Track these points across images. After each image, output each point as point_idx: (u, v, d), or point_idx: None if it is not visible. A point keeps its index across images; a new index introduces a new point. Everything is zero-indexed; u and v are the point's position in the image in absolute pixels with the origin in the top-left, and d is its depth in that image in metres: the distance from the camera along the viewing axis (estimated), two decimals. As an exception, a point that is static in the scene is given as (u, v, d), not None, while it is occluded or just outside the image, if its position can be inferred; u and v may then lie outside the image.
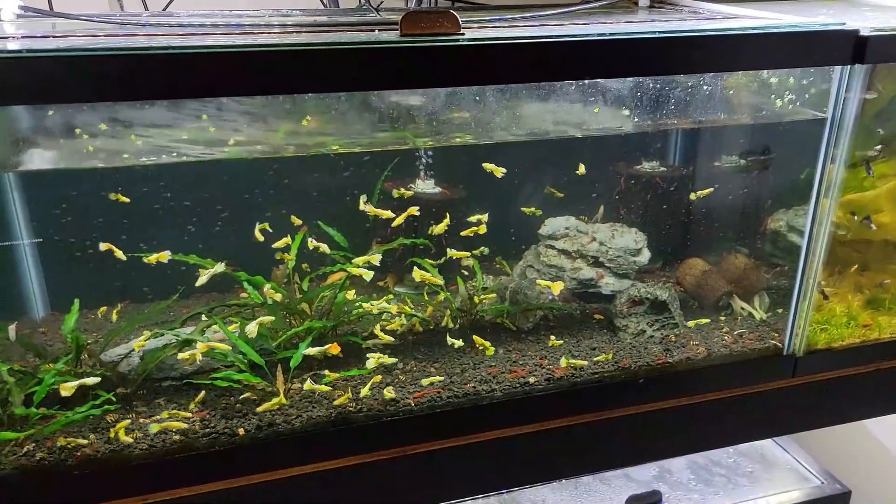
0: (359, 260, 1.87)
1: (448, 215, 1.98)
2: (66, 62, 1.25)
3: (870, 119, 1.80)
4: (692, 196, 2.17)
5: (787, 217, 2.14)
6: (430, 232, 1.99)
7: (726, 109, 1.84)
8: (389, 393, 1.75)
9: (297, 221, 1.95)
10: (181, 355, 1.71)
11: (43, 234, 2.04)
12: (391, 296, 1.95)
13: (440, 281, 1.95)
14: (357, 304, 1.97)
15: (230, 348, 1.73)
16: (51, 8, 2.16)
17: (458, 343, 1.90)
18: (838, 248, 1.93)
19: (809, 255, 1.87)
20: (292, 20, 2.07)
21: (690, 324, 2.03)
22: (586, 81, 1.69)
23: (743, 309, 2.07)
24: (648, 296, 1.97)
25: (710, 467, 2.56)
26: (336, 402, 1.73)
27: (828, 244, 1.85)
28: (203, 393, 1.73)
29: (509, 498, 2.46)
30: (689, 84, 1.81)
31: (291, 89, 1.50)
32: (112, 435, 1.59)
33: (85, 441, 1.58)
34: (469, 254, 2.02)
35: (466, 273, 2.10)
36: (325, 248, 1.93)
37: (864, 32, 1.60)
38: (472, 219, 1.96)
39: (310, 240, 1.93)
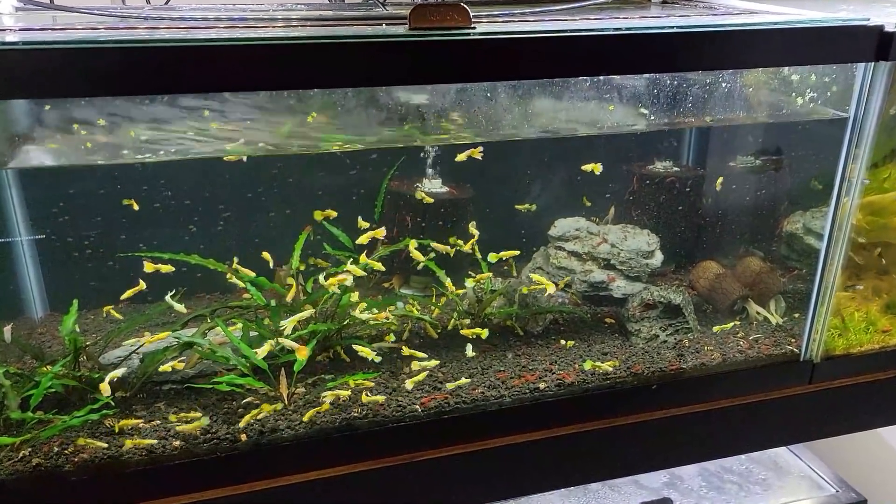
0: (359, 263, 1.83)
1: (475, 231, 1.93)
2: (65, 55, 1.21)
3: (891, 118, 1.75)
4: (717, 185, 2.10)
5: (804, 219, 2.09)
6: (460, 248, 1.95)
7: (744, 108, 1.79)
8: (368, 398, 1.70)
9: (332, 214, 1.89)
10: (171, 364, 1.66)
11: (41, 233, 2.00)
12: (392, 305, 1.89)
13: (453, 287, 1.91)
14: (360, 309, 1.92)
15: (231, 351, 1.69)
16: (51, 1, 2.12)
17: (471, 353, 1.84)
18: (858, 251, 1.88)
19: (829, 257, 1.81)
20: (297, 14, 2.02)
21: (716, 329, 1.97)
22: (600, 78, 1.64)
23: (758, 313, 2.01)
24: (662, 299, 1.92)
25: (722, 474, 2.50)
26: (366, 400, 1.70)
27: (847, 247, 1.79)
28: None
29: (517, 504, 2.41)
30: (707, 81, 1.76)
31: (296, 85, 1.45)
32: (116, 430, 1.55)
33: (85, 444, 1.53)
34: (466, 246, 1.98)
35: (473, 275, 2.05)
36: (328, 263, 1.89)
37: (888, 28, 1.55)
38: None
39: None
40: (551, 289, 1.86)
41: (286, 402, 1.70)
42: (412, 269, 2.16)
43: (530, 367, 1.86)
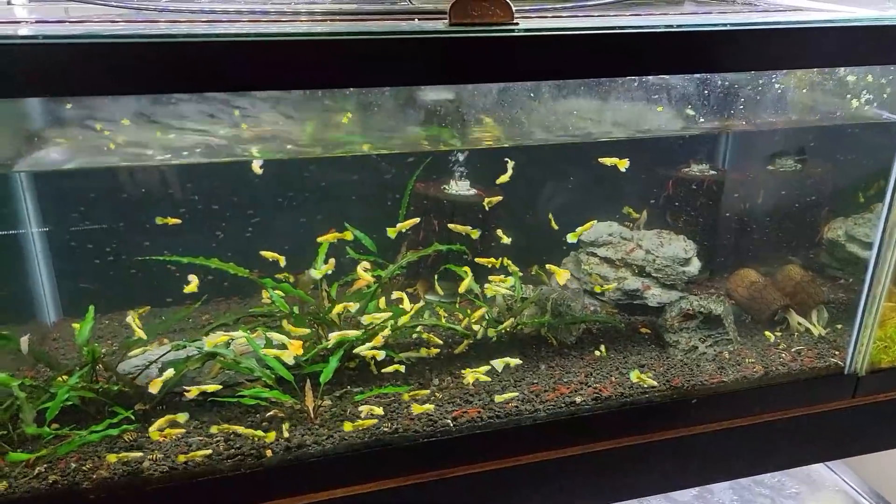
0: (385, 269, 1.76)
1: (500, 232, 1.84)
2: (88, 50, 1.13)
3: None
4: (752, 189, 2.01)
5: (846, 226, 2.01)
6: (493, 265, 1.86)
7: (794, 110, 1.71)
8: (418, 409, 1.63)
9: (348, 236, 1.81)
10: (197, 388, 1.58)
11: (55, 235, 1.92)
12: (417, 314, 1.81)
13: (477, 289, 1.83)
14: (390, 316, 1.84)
15: (255, 362, 1.61)
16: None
17: (508, 362, 1.77)
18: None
19: (878, 267, 1.73)
20: (320, 7, 1.94)
21: (769, 336, 1.89)
22: (647, 78, 1.56)
23: (800, 324, 1.93)
24: (702, 309, 1.84)
25: (753, 487, 2.43)
26: (417, 410, 1.63)
27: (898, 255, 1.71)
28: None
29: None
30: (757, 81, 1.68)
31: (331, 83, 1.37)
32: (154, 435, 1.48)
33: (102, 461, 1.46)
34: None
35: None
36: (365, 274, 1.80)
37: (952, 27, 1.47)
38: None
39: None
40: (563, 278, 1.77)
41: (312, 416, 1.63)
42: (438, 274, 2.09)
43: (565, 380, 1.78)
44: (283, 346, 1.62)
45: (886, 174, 1.69)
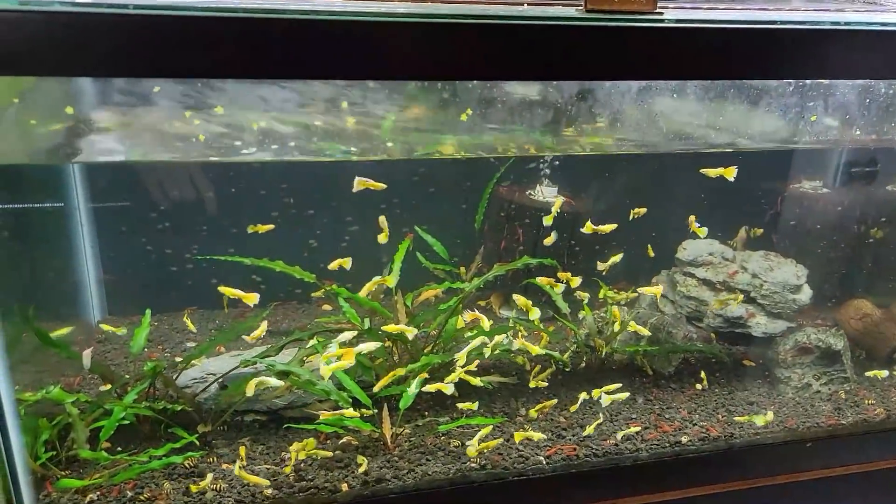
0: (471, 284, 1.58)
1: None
2: (190, 23, 0.95)
3: None
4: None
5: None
6: (601, 271, 1.67)
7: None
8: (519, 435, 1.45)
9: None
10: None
11: (102, 231, 1.75)
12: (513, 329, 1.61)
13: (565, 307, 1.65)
14: (470, 334, 1.66)
15: (327, 380, 1.43)
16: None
17: (619, 397, 1.57)
18: None
19: None
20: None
21: (878, 374, 1.69)
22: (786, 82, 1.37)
23: (923, 363, 1.74)
24: (820, 344, 1.65)
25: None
26: (520, 437, 1.45)
27: None
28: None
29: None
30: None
31: (451, 73, 1.18)
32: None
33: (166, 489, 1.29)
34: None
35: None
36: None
37: None
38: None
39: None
40: (656, 291, 1.58)
41: (390, 445, 1.45)
42: (516, 287, 1.91)
43: (667, 416, 1.60)
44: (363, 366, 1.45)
45: None
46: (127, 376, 1.55)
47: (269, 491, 1.32)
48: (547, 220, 1.63)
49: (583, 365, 1.69)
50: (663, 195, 1.90)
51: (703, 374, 1.68)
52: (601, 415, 1.57)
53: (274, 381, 1.31)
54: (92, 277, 1.79)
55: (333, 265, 1.58)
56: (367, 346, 1.36)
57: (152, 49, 0.97)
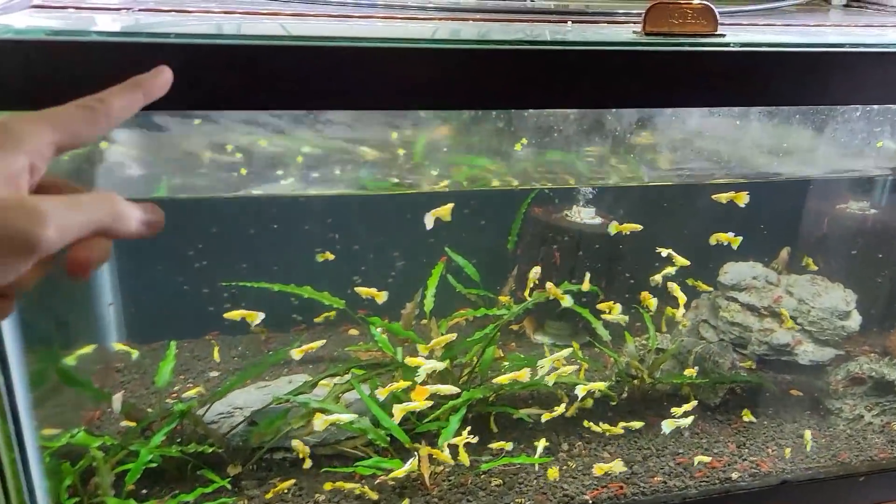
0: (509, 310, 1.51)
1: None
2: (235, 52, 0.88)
3: None
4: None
5: None
6: (652, 283, 1.59)
7: None
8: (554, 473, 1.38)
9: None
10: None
11: (124, 258, 1.68)
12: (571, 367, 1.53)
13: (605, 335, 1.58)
14: (507, 364, 1.60)
15: (354, 416, 1.36)
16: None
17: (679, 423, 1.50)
18: None
19: None
20: (433, 3, 1.70)
21: None
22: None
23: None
24: (873, 374, 1.58)
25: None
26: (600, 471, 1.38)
27: None
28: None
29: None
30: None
31: (491, 103, 1.11)
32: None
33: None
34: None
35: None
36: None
37: None
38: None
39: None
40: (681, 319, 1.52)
41: (428, 484, 1.38)
42: (551, 313, 1.84)
43: (715, 451, 1.53)
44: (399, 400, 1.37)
45: None
46: (150, 410, 1.49)
47: (306, 536, 1.26)
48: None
49: (624, 395, 1.62)
50: (705, 220, 1.83)
51: (745, 412, 1.61)
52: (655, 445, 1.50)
53: (345, 416, 1.25)
54: (110, 303, 1.72)
55: (365, 292, 1.52)
56: (446, 389, 1.30)
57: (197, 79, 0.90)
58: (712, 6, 1.12)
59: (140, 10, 1.18)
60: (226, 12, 1.24)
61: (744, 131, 1.41)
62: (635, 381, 1.63)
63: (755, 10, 1.62)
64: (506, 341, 1.84)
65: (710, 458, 1.49)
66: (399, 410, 1.27)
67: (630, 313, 1.71)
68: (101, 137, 0.65)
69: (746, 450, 1.53)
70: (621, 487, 1.42)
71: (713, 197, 1.54)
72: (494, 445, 1.46)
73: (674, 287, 1.59)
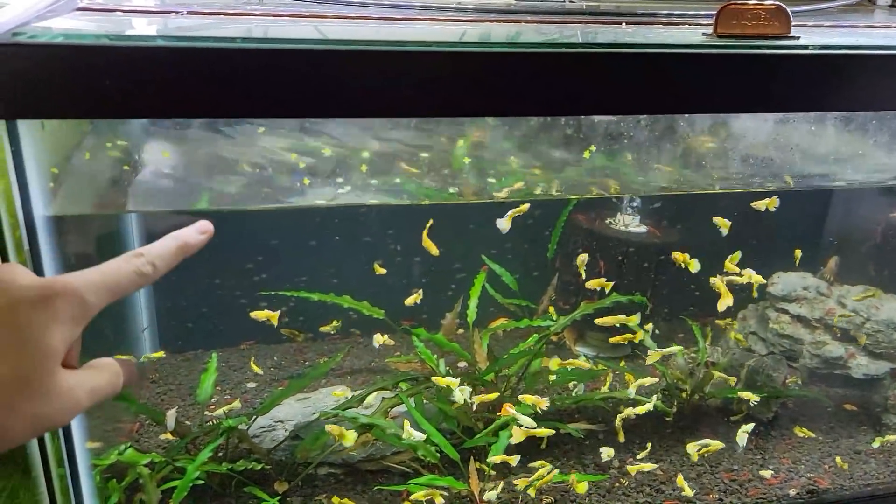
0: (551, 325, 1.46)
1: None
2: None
3: None
4: None
5: None
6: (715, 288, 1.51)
7: None
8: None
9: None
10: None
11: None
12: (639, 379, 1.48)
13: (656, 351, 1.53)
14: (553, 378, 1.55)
15: (399, 429, 1.31)
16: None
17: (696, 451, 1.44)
18: None
19: None
20: (472, 4, 1.66)
21: None
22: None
23: None
24: (934, 388, 1.54)
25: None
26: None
27: None
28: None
29: None
30: None
31: (556, 109, 1.07)
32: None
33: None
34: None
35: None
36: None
37: None
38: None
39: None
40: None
41: (478, 502, 1.34)
42: (591, 324, 1.79)
43: (771, 466, 1.48)
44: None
45: None
46: (189, 422, 1.45)
47: (355, 558, 1.22)
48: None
49: (674, 409, 1.57)
50: (751, 228, 1.78)
51: (799, 427, 1.56)
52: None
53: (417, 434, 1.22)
54: (144, 316, 1.68)
55: (410, 300, 1.48)
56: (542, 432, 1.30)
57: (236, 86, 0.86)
58: (786, 7, 1.08)
59: (189, 12, 1.15)
60: (272, 15, 1.21)
61: (807, 138, 1.37)
62: (684, 395, 1.59)
63: (802, 11, 1.58)
64: (546, 353, 1.79)
65: (769, 475, 1.44)
66: (520, 434, 1.24)
67: (675, 323, 1.67)
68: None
69: (803, 466, 1.48)
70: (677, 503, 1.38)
71: (752, 204, 1.49)
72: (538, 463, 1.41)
73: (718, 283, 1.50)
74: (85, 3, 1.14)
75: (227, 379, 1.68)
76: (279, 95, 0.86)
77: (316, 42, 0.92)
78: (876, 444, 1.52)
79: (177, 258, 0.66)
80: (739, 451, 1.49)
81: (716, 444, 1.41)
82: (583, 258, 1.54)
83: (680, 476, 1.38)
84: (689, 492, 1.37)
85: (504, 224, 1.30)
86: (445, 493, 1.30)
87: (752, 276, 1.44)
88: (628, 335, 1.49)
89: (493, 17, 1.33)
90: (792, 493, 1.42)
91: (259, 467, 1.23)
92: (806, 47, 1.04)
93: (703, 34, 1.09)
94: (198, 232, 0.69)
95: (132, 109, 0.87)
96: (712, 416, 1.58)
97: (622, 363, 1.69)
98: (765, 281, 1.48)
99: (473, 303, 1.58)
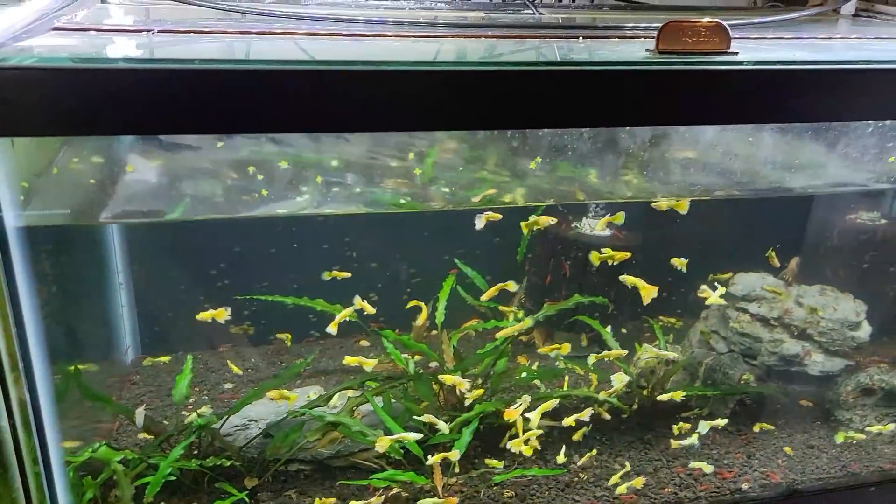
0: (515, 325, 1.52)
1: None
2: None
3: None
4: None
5: None
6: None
7: None
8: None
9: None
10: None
11: (135, 270, 1.70)
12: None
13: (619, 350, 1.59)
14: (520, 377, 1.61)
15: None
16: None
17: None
18: None
19: None
20: (441, 15, 1.71)
21: None
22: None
23: None
24: (883, 385, 1.59)
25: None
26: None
27: None
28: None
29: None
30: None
31: (508, 122, 1.13)
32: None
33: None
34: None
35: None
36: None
37: None
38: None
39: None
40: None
41: (441, 496, 1.40)
42: (560, 324, 1.85)
43: (725, 461, 1.54)
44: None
45: None
46: (166, 422, 1.50)
47: (323, 552, 1.27)
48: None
49: (634, 407, 1.63)
50: (711, 232, 1.84)
51: (760, 424, 1.62)
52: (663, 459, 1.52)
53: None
54: (126, 319, 1.74)
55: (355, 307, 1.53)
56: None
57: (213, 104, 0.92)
58: (725, 24, 1.14)
59: (160, 31, 1.20)
60: (241, 32, 1.27)
61: (756, 147, 1.42)
62: (644, 392, 1.65)
63: (766, 23, 1.64)
64: (515, 353, 1.85)
65: (720, 469, 1.50)
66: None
67: (639, 322, 1.73)
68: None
69: (756, 460, 1.54)
70: (633, 498, 1.43)
71: (652, 204, 1.53)
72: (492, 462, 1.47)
73: (628, 279, 1.54)
74: (62, 22, 1.20)
75: (205, 380, 1.74)
76: (233, 112, 0.92)
77: (270, 63, 0.97)
78: (840, 440, 1.58)
79: None
80: (696, 447, 1.55)
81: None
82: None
83: (615, 476, 1.45)
84: (623, 488, 1.44)
85: (479, 223, 1.36)
86: (409, 488, 1.37)
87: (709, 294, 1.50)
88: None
89: (459, 33, 1.39)
90: (745, 486, 1.48)
91: (228, 464, 1.28)
92: (741, 63, 1.10)
93: (647, 50, 1.15)
94: None
95: (97, 127, 0.93)
96: (671, 413, 1.64)
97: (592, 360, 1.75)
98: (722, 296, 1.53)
99: (442, 305, 1.63)
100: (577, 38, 1.37)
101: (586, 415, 1.49)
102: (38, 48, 1.02)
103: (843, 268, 1.78)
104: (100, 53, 1.06)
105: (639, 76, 1.07)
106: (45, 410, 1.07)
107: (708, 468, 1.49)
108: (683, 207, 1.41)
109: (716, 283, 1.56)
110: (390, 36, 1.31)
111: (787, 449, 1.56)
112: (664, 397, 1.54)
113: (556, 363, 1.69)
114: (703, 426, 1.47)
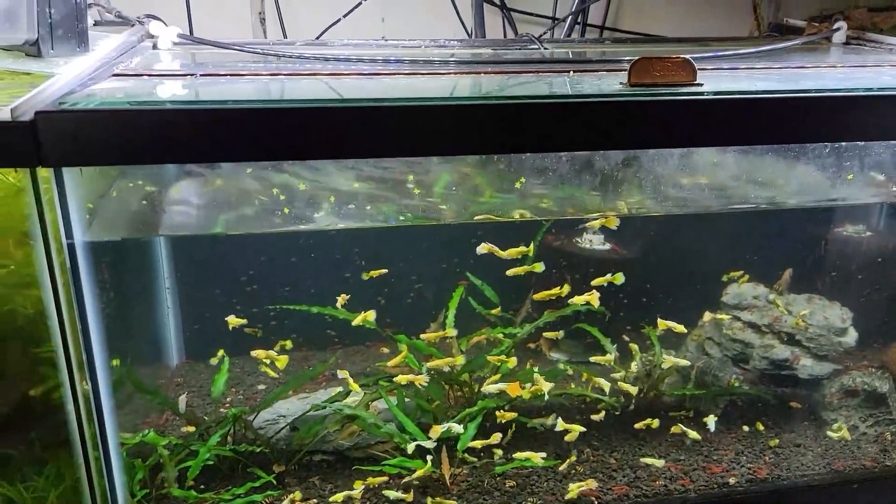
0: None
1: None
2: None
3: None
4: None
5: None
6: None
7: None
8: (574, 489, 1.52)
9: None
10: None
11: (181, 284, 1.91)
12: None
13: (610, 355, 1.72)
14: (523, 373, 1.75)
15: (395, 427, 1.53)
16: (191, 33, 2.06)
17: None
18: None
19: None
20: (454, 52, 1.90)
21: None
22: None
23: (971, 405, 1.76)
24: (866, 387, 1.70)
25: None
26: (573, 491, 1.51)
27: None
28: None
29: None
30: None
31: (499, 149, 1.29)
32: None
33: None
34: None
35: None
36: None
37: None
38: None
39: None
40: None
41: (448, 485, 1.55)
42: (565, 332, 1.99)
43: (714, 457, 1.65)
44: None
45: None
46: (206, 417, 1.69)
47: (340, 531, 1.43)
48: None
49: (631, 407, 1.76)
50: (707, 246, 1.96)
51: (759, 423, 1.73)
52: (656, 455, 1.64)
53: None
54: (172, 327, 1.94)
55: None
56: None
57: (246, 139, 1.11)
58: (691, 59, 1.29)
59: (202, 74, 1.41)
60: (272, 74, 1.47)
61: (745, 166, 1.56)
62: (640, 395, 1.77)
63: (756, 52, 1.78)
64: (524, 359, 1.99)
65: (708, 464, 1.62)
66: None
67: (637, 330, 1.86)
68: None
69: (745, 457, 1.65)
70: (625, 490, 1.56)
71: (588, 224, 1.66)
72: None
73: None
74: (120, 69, 1.41)
75: (241, 382, 1.92)
76: (260, 143, 1.11)
77: (292, 101, 1.16)
78: (835, 436, 1.69)
79: None
80: (688, 442, 1.67)
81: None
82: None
83: (591, 480, 1.57)
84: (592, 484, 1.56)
85: (481, 249, 1.53)
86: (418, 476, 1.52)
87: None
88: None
89: (464, 70, 1.56)
90: (732, 481, 1.60)
91: (258, 450, 1.46)
92: (702, 93, 1.25)
93: (620, 83, 1.31)
94: None
95: (148, 157, 1.12)
96: (664, 412, 1.76)
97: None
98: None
99: (452, 313, 1.79)
100: (569, 72, 1.54)
101: (601, 416, 1.65)
102: (101, 91, 1.22)
103: (830, 278, 1.89)
104: (151, 96, 1.27)
105: (608, 106, 1.23)
106: (105, 401, 1.26)
107: (706, 463, 1.62)
108: (614, 223, 1.57)
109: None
110: (405, 74, 1.50)
111: (772, 442, 1.67)
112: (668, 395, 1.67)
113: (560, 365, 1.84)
114: (710, 421, 1.61)
